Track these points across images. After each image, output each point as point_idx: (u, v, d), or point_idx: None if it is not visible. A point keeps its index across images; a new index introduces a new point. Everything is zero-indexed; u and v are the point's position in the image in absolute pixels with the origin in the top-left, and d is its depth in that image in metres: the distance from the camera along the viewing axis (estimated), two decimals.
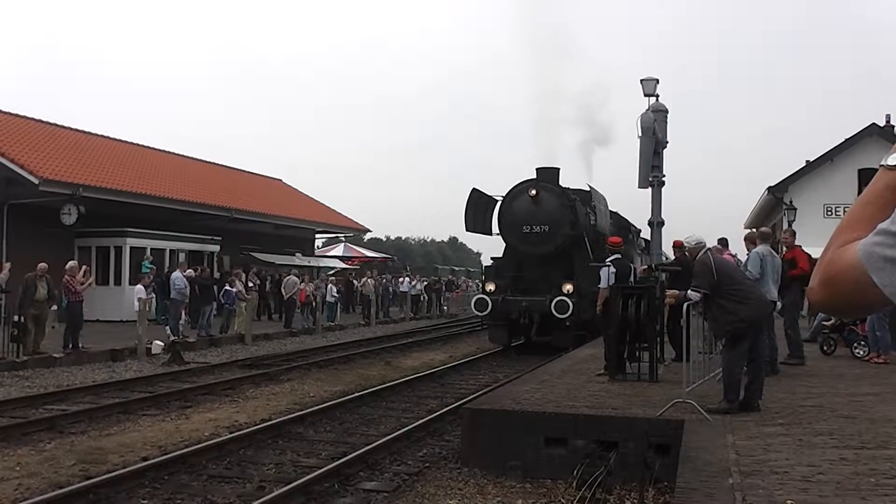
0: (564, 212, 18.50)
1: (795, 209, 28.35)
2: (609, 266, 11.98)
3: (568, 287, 17.69)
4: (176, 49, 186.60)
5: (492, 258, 20.88)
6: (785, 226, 28.14)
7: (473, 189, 19.92)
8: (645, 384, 10.04)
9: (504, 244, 19.67)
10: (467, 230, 20.20)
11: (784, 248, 12.85)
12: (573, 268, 18.35)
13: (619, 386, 9.97)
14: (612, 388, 9.77)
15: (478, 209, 19.98)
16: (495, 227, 19.68)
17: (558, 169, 19.64)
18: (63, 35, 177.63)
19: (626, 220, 24.22)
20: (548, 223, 18.40)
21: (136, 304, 18.57)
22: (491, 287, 18.77)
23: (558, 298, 17.34)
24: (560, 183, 19.32)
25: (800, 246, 12.22)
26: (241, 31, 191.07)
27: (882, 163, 1.45)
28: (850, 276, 1.32)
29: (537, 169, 19.35)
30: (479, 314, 19.10)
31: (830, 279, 1.37)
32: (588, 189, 19.73)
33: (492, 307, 18.13)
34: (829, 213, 29.91)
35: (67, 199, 23.45)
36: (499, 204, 19.38)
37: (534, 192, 18.40)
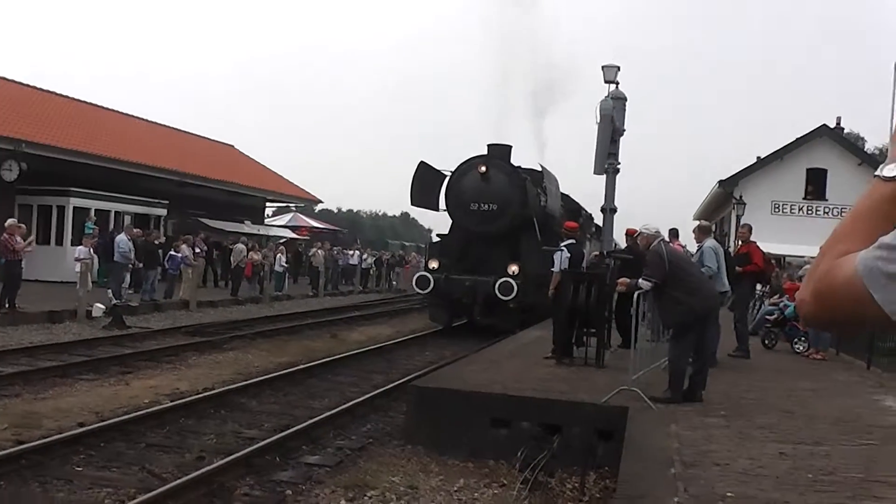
0: (514, 191, 17.95)
1: (745, 204, 28.84)
2: (563, 250, 11.99)
3: (513, 268, 17.22)
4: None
5: (437, 235, 20.49)
6: (734, 220, 28.68)
7: (421, 162, 19.22)
8: (591, 369, 10.11)
9: (451, 221, 19.13)
10: (413, 204, 19.57)
11: (739, 243, 13.03)
12: (520, 249, 17.98)
13: (565, 370, 10.02)
14: (558, 372, 9.82)
15: (424, 183, 19.22)
16: (442, 204, 19.01)
17: (510, 146, 19.00)
18: None
19: (578, 203, 23.91)
20: (496, 202, 17.82)
21: (77, 265, 18.08)
22: (434, 265, 18.20)
23: (503, 279, 16.85)
24: (512, 162, 18.76)
25: (755, 242, 12.40)
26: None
27: (877, 173, 1.40)
28: (847, 291, 1.26)
29: (489, 145, 18.71)
30: (421, 292, 18.53)
31: (825, 292, 1.31)
32: (540, 169, 19.26)
33: (434, 285, 17.58)
34: (777, 209, 30.54)
35: (9, 154, 22.70)
36: (447, 179, 18.77)
37: (483, 168, 17.77)
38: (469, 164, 18.24)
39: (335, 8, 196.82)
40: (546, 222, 18.89)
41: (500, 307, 17.09)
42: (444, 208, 18.89)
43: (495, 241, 17.95)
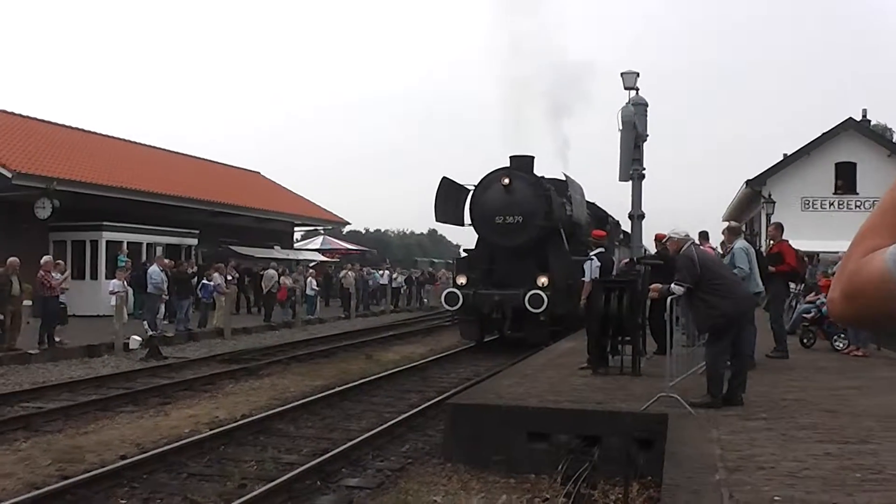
0: (539, 201, 17.62)
1: (774, 202, 28.53)
2: (593, 259, 11.93)
3: (542, 280, 16.88)
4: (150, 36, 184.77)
5: (464, 250, 20.12)
6: (763, 219, 28.39)
7: (443, 178, 18.98)
8: (627, 378, 10.02)
9: (476, 235, 18.81)
10: (437, 220, 19.24)
11: (771, 242, 12.87)
12: (548, 260, 17.65)
13: (601, 380, 9.94)
14: (594, 382, 9.75)
15: (448, 199, 18.97)
16: (467, 218, 18.73)
17: (533, 157, 18.74)
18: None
19: (604, 210, 23.67)
20: (521, 213, 17.52)
21: (112, 299, 18.35)
22: (462, 280, 17.94)
23: (532, 292, 16.54)
24: (535, 172, 18.49)
25: (787, 241, 12.25)
26: (224, 24, 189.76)
27: None
28: (878, 289, 1.24)
29: (511, 157, 18.47)
30: (450, 309, 18.13)
31: (855, 291, 1.29)
32: (564, 178, 18.97)
33: (463, 301, 17.25)
34: (807, 205, 30.19)
35: (41, 192, 23.13)
36: (471, 193, 18.50)
37: (507, 180, 17.49)
38: (492, 177, 18.04)
39: (350, 59, 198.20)
40: (573, 231, 18.71)
41: (530, 320, 16.84)
42: (470, 223, 18.64)
43: (522, 254, 17.66)
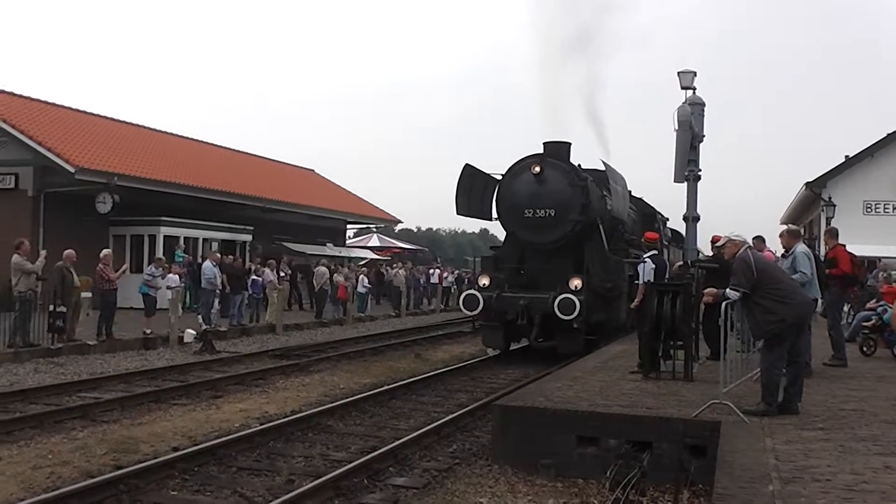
0: (574, 193, 15.52)
1: (834, 206, 27.82)
2: (647, 262, 11.75)
3: (576, 283, 14.91)
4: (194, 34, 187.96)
5: (490, 247, 18.66)
6: (823, 222, 27.69)
7: (466, 165, 16.75)
8: (679, 383, 9.85)
9: (504, 231, 16.93)
10: (458, 213, 16.92)
11: (826, 247, 12.54)
12: (584, 260, 15.83)
13: (652, 384, 9.79)
14: (645, 387, 9.60)
15: (473, 189, 16.82)
16: (495, 212, 16.71)
17: (569, 143, 16.37)
18: None
19: (652, 206, 22.04)
20: (554, 206, 15.49)
21: (168, 293, 18.72)
22: (484, 281, 15.93)
23: (563, 296, 14.57)
24: (571, 160, 16.28)
25: (843, 245, 11.92)
26: (266, 19, 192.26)
27: None
28: None
29: (545, 143, 16.17)
30: (469, 313, 16.00)
31: None
32: (603, 168, 16.83)
33: (484, 305, 15.29)
34: (869, 209, 29.36)
35: (102, 187, 23.71)
36: (498, 184, 16.42)
37: (537, 168, 15.44)
38: (521, 165, 15.98)
39: (397, 46, 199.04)
40: (613, 228, 17.27)
41: (561, 328, 15.00)
42: (496, 217, 16.71)
43: (555, 252, 15.85)
